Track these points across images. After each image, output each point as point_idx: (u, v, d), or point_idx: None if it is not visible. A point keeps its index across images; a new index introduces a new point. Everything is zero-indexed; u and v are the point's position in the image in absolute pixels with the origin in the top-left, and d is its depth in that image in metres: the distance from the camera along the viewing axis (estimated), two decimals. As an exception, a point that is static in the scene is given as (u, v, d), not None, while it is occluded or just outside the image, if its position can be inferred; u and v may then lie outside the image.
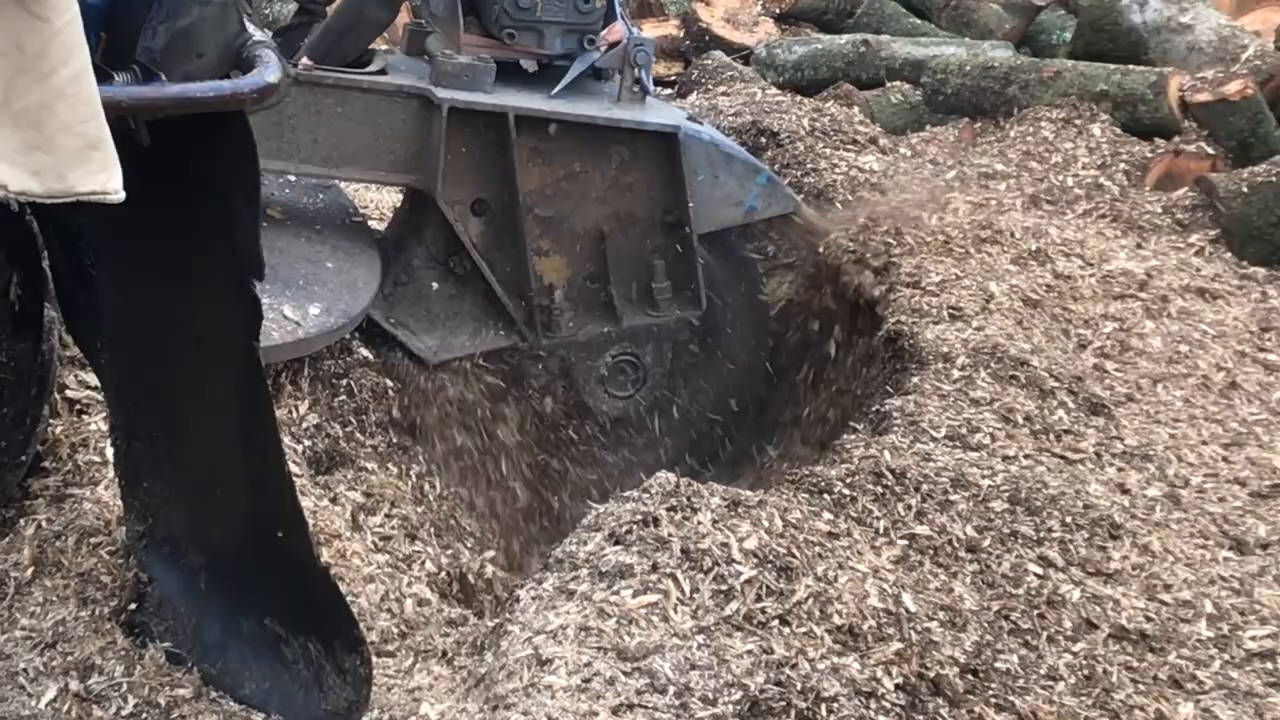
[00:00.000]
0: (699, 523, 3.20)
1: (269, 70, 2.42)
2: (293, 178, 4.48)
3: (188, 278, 2.62)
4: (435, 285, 4.54)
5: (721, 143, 4.83)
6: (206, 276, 2.61)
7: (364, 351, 4.25)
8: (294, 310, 3.92)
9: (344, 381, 4.11)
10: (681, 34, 8.83)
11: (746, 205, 4.80)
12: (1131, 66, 6.66)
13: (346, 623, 2.83)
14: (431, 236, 4.52)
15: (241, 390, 2.71)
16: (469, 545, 4.11)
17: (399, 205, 5.03)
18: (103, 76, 2.20)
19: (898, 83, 7.32)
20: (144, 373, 2.85)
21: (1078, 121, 6.34)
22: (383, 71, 4.41)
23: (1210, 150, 6.13)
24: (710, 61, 7.81)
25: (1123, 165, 6.09)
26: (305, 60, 4.24)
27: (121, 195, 2.04)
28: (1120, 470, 3.91)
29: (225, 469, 2.84)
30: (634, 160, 4.59)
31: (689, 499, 3.28)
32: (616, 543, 3.16)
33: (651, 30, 8.67)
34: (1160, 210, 5.78)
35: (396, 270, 4.45)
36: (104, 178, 2.01)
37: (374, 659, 2.93)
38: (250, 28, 2.54)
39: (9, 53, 1.87)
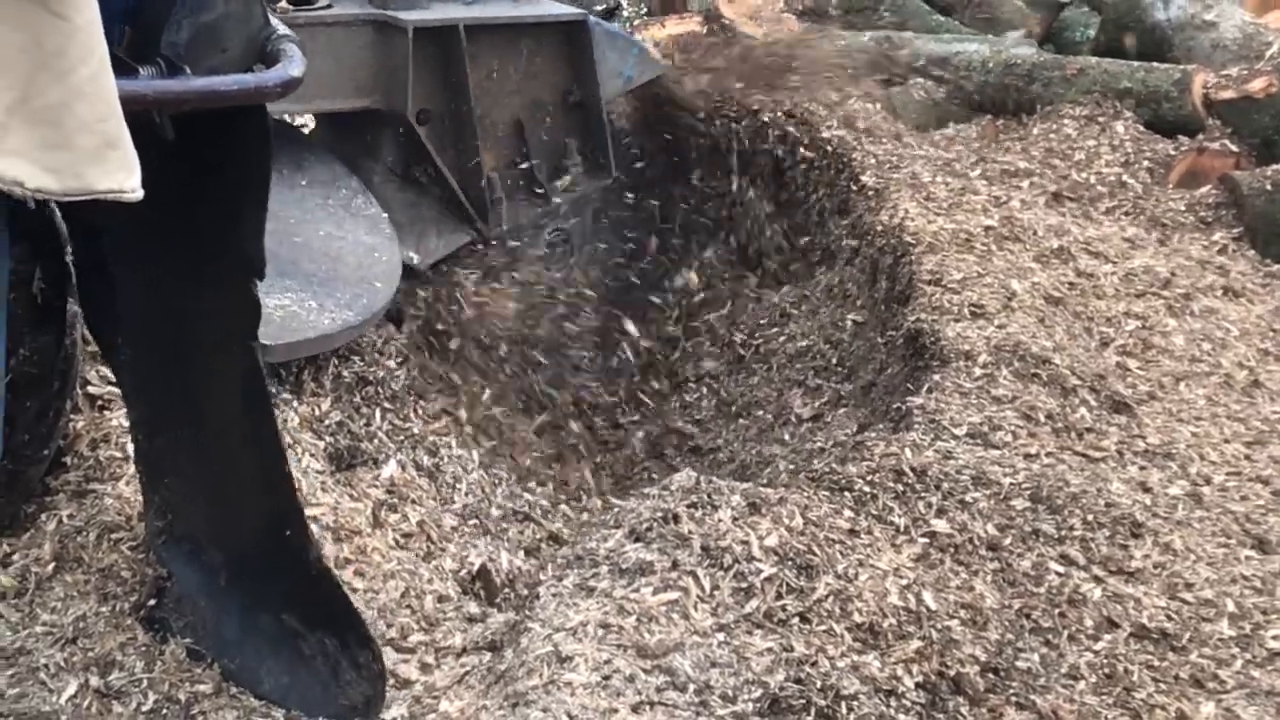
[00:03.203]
0: (719, 520, 3.19)
1: (293, 64, 2.43)
2: None
3: (201, 274, 2.63)
4: (397, 197, 4.83)
5: (602, 22, 5.32)
6: (216, 274, 2.62)
7: (386, 355, 4.26)
8: (316, 305, 3.93)
9: (366, 379, 4.12)
10: (704, 30, 8.81)
11: (626, 75, 5.31)
12: (1155, 64, 6.64)
13: (354, 619, 2.84)
14: (388, 152, 4.86)
15: (244, 389, 2.73)
16: (491, 541, 4.11)
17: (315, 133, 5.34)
18: (127, 70, 2.20)
19: (920, 79, 7.30)
20: (166, 369, 2.86)
21: (1101, 119, 6.32)
22: (328, 6, 4.60)
23: (1234, 148, 6.11)
24: (733, 58, 7.79)
25: (1146, 163, 6.06)
26: (281, 3, 4.39)
27: (139, 194, 2.04)
28: (1142, 469, 3.89)
29: (240, 466, 2.85)
30: (538, 50, 5.00)
31: (709, 496, 3.28)
32: (637, 540, 3.15)
33: (674, 27, 8.65)
34: (1183, 208, 5.77)
35: None
36: (121, 176, 2.01)
37: (386, 654, 2.94)
38: (274, 21, 2.55)
39: (29, 50, 1.87)
